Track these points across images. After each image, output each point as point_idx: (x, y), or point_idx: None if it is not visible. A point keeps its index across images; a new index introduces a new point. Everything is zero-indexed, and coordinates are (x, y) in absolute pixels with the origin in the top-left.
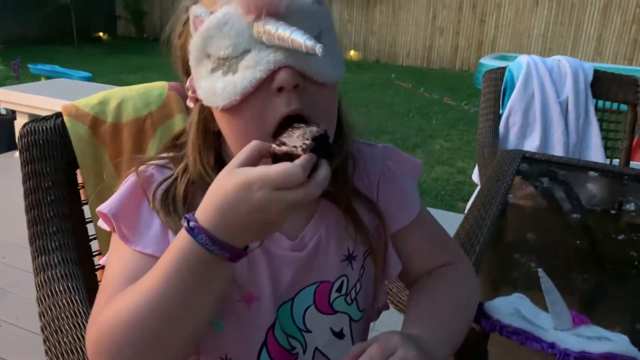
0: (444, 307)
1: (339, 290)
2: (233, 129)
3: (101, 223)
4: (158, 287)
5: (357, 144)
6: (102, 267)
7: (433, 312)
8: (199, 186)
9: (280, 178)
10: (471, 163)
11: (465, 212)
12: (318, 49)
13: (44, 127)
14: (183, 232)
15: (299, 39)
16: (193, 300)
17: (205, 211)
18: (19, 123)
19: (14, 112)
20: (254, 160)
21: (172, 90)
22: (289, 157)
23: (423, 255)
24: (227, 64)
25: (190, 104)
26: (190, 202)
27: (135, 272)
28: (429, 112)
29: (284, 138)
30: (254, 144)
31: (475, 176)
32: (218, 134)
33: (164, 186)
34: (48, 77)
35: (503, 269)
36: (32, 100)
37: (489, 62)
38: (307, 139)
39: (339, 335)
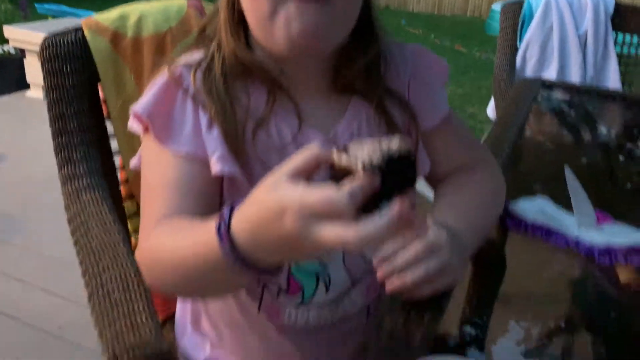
0: (473, 198)
1: None
2: (251, 4)
3: (132, 124)
4: (185, 263)
5: (387, 42)
6: (126, 181)
7: (463, 202)
8: (234, 71)
9: (318, 206)
10: (482, 108)
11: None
12: None
13: (65, 40)
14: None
15: None
16: (216, 286)
17: (239, 218)
18: (29, 62)
19: (22, 51)
20: (309, 170)
21: (190, 6)
22: (350, 173)
23: (452, 155)
24: None
25: None
26: (230, 85)
27: (174, 177)
28: None
29: (353, 145)
30: (313, 150)
31: (490, 110)
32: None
33: (202, 67)
34: (55, 17)
35: (527, 174)
36: (40, 38)
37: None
38: (378, 157)
39: None
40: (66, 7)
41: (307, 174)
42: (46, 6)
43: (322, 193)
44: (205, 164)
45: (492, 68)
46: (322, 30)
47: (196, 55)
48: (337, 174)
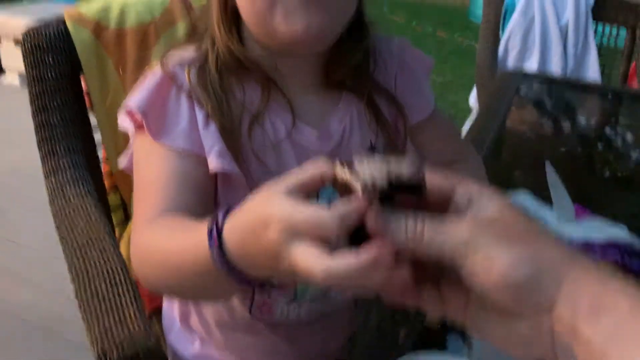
0: None
1: None
2: (245, 2)
3: (122, 122)
4: (175, 263)
5: (375, 37)
6: (110, 173)
7: None
8: (228, 67)
9: (303, 224)
10: (464, 96)
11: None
12: None
13: (47, 32)
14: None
15: None
16: (204, 290)
17: (231, 223)
18: (4, 47)
19: None
20: (310, 187)
21: None
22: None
23: (438, 149)
24: None
25: None
26: (225, 81)
27: (169, 172)
28: (422, 46)
29: (359, 160)
30: (318, 166)
31: (473, 99)
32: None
33: (196, 63)
34: (31, 1)
35: (509, 166)
36: (16, 23)
37: None
38: (383, 179)
39: None
40: None
41: (309, 190)
42: None
43: (312, 211)
44: (201, 160)
45: (475, 55)
46: (324, 26)
47: (189, 51)
48: (339, 189)
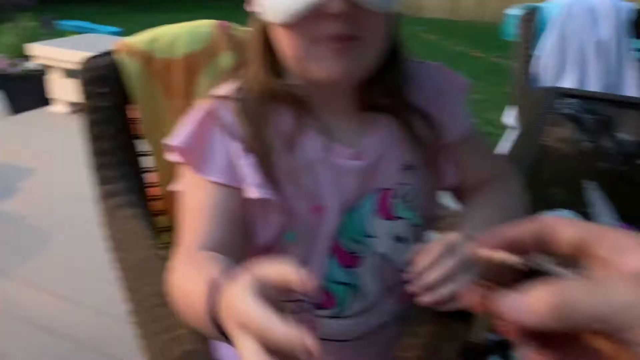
0: (495, 213)
1: (399, 197)
2: (283, 43)
3: (170, 154)
4: (186, 303)
5: (409, 62)
6: (158, 197)
7: (488, 217)
8: (265, 96)
9: (251, 325)
10: (497, 114)
11: (502, 146)
12: None
13: (101, 63)
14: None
15: None
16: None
17: (224, 295)
18: (51, 79)
19: (45, 67)
20: (278, 287)
21: (218, 28)
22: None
23: (474, 169)
24: None
25: (247, 7)
26: (263, 110)
27: (207, 205)
28: (455, 65)
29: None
30: (286, 271)
31: (507, 117)
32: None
33: (236, 95)
34: (77, 33)
35: (548, 184)
36: (64, 54)
37: (517, 12)
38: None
39: (401, 240)
40: (85, 23)
41: (276, 289)
42: (68, 23)
43: (284, 329)
44: (237, 191)
45: (508, 73)
46: (357, 66)
47: (230, 83)
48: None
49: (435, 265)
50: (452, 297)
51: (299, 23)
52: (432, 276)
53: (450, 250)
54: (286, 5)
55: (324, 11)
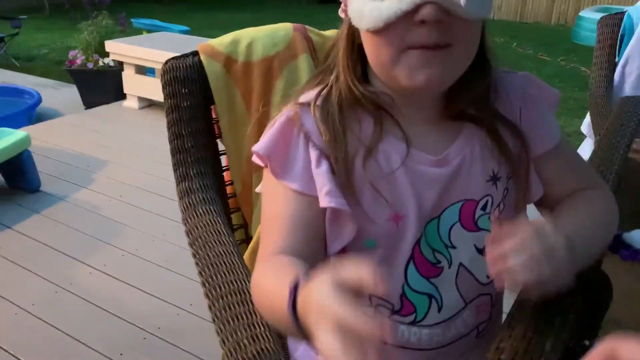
0: (585, 219)
1: (483, 208)
2: (372, 49)
3: (255, 158)
4: (266, 306)
5: (497, 71)
6: (232, 195)
7: (578, 218)
8: (348, 101)
9: (332, 316)
10: (567, 120)
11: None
12: None
13: (183, 64)
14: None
15: None
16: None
17: (301, 294)
18: (127, 74)
19: (120, 63)
20: (353, 287)
21: (296, 31)
22: None
23: (564, 181)
24: None
25: (341, 14)
26: (344, 115)
27: (286, 212)
28: (523, 68)
29: None
30: (362, 272)
31: (586, 127)
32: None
33: (320, 99)
34: (149, 31)
35: (634, 205)
36: (138, 51)
37: (590, 14)
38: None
39: (482, 251)
40: (159, 22)
41: (351, 289)
42: (141, 21)
43: (343, 310)
44: (313, 200)
45: (579, 78)
46: (446, 74)
47: (313, 91)
48: None
49: (517, 250)
50: (532, 286)
51: (390, 30)
52: (512, 261)
53: (539, 235)
54: (378, 11)
55: (416, 18)
